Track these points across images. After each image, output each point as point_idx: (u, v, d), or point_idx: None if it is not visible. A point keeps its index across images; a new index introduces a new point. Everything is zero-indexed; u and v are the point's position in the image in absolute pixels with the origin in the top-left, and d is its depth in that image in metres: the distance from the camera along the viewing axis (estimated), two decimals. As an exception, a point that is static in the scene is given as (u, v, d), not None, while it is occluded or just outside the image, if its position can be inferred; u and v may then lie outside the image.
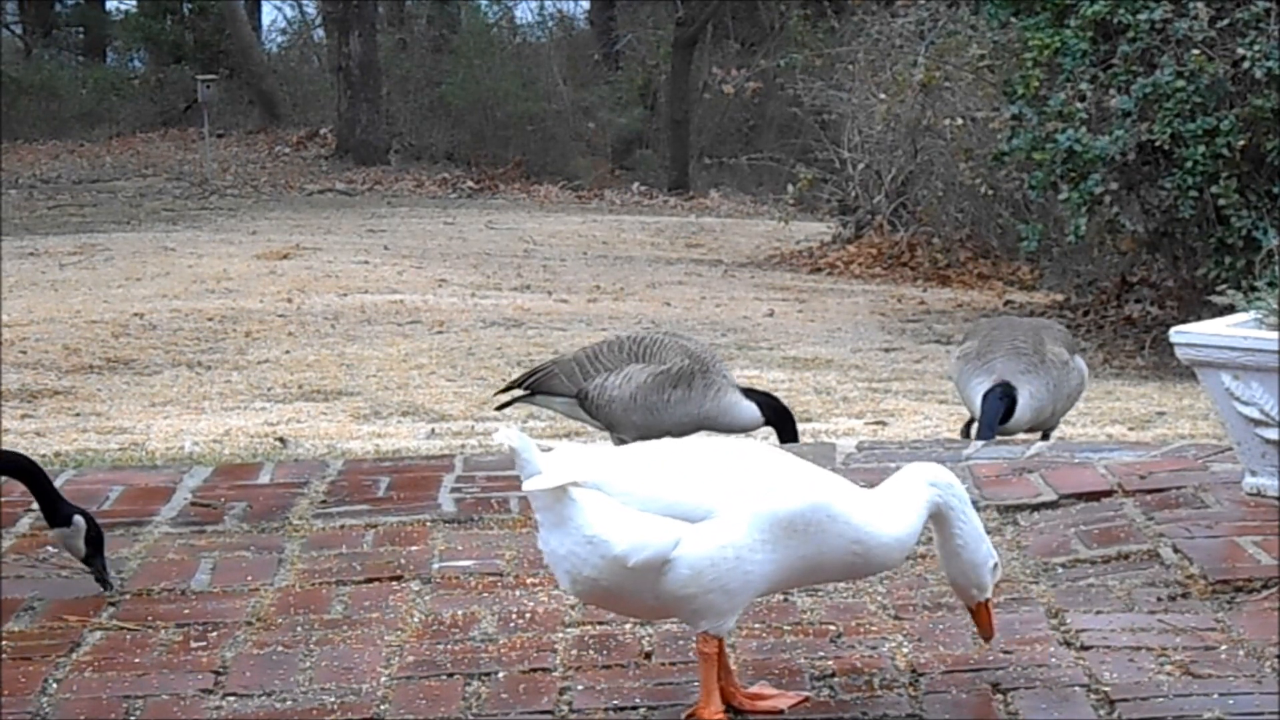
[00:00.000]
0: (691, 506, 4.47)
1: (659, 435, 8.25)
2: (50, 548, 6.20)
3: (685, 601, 4.50)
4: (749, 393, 8.57)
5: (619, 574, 4.45)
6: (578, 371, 8.49)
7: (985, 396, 8.81)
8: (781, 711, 4.67)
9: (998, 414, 8.78)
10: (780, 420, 8.54)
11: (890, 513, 4.63)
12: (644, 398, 8.31)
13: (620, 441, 8.49)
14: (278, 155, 34.01)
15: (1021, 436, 8.97)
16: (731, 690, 4.70)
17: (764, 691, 4.75)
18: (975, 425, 9.16)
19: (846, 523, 4.55)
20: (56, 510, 5.74)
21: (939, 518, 4.70)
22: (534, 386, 8.68)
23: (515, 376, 10.01)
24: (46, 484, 5.78)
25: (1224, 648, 4.97)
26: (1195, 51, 15.51)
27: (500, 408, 9.39)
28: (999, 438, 8.74)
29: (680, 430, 8.32)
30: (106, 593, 5.72)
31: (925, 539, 6.11)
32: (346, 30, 33.21)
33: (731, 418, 8.40)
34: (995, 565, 4.77)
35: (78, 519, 5.73)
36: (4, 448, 5.96)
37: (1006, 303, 19.91)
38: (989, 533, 6.07)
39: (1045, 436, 9.14)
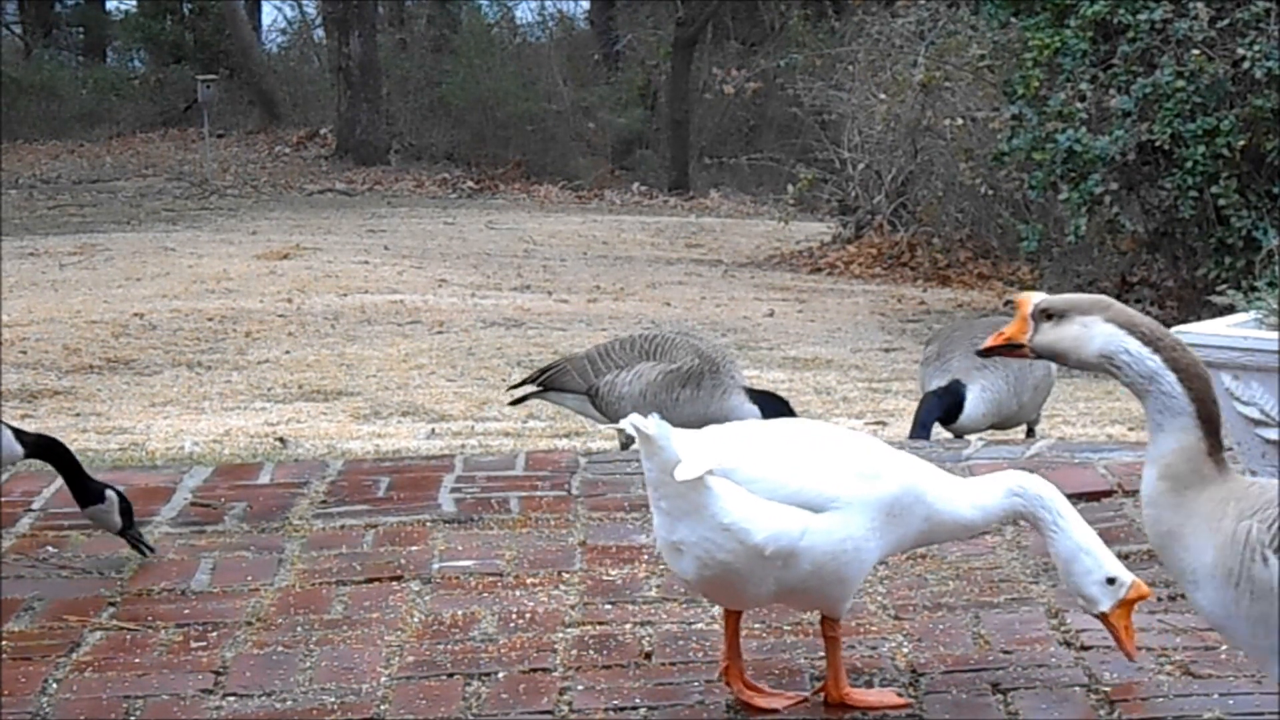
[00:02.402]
0: (814, 495, 4.55)
1: None
2: (50, 548, 6.20)
3: (804, 593, 4.61)
4: (755, 394, 8.52)
5: (752, 560, 4.51)
6: (589, 368, 8.48)
7: (923, 400, 8.76)
8: (778, 711, 4.68)
9: (933, 414, 8.71)
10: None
11: (965, 499, 4.72)
12: (653, 396, 8.29)
13: (628, 440, 8.48)
14: (278, 155, 34.01)
15: (1021, 436, 8.95)
16: (736, 673, 4.72)
17: (765, 690, 4.76)
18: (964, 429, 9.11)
19: (925, 501, 4.68)
20: (87, 489, 6.00)
21: (1034, 524, 4.77)
22: (546, 383, 8.66)
23: (519, 375, 10.00)
24: (76, 465, 6.01)
25: (1224, 648, 4.97)
26: (1195, 51, 15.52)
27: (514, 403, 9.39)
28: (981, 437, 8.70)
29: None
30: (147, 557, 5.98)
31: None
32: (346, 30, 33.21)
33: (734, 421, 8.38)
34: (1112, 580, 4.67)
35: (110, 494, 5.98)
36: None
37: (1006, 303, 19.77)
38: (989, 533, 6.08)
39: (1030, 433, 9.10)
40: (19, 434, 6.07)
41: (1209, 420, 3.83)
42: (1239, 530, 3.74)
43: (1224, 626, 3.83)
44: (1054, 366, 9.36)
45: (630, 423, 4.42)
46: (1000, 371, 8.83)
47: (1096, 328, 3.92)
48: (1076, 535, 4.73)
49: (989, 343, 4.17)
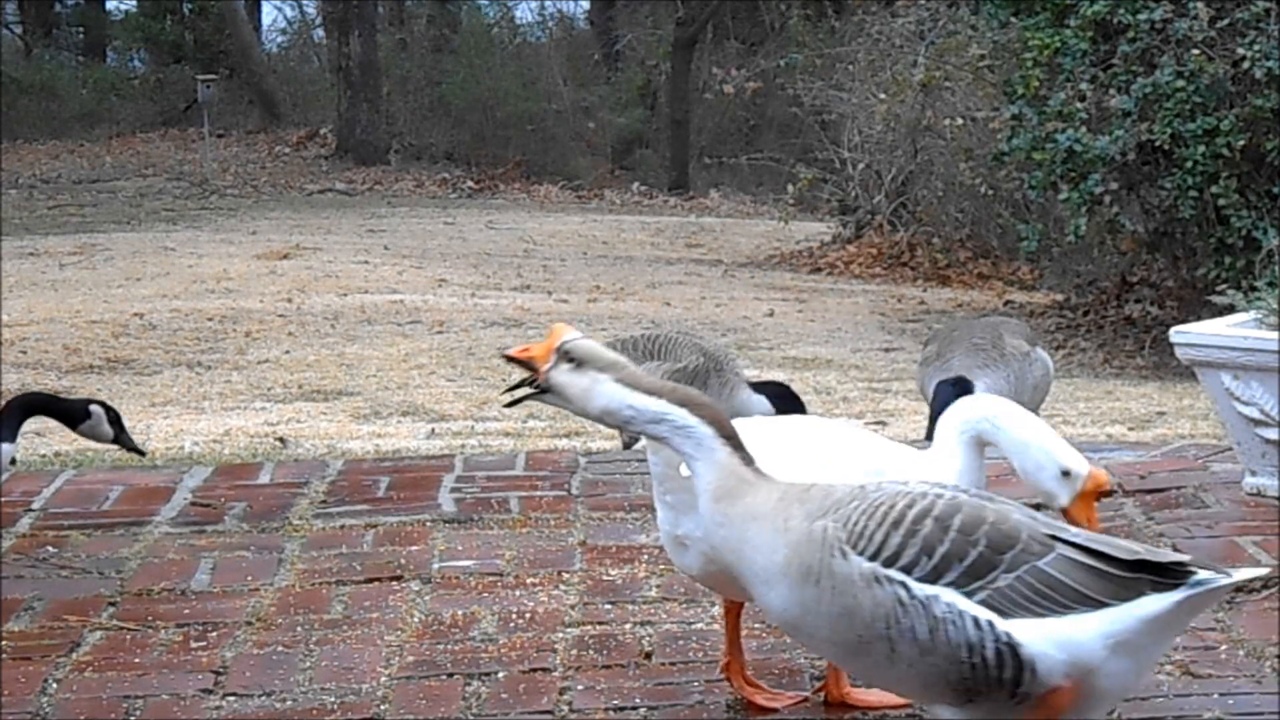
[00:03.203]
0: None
1: None
2: (50, 548, 6.20)
3: None
4: (759, 386, 8.49)
5: None
6: None
7: (936, 391, 8.76)
8: (778, 710, 4.68)
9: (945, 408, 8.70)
10: (791, 408, 8.47)
11: (941, 468, 4.66)
12: None
13: (631, 439, 8.46)
14: (278, 155, 34.01)
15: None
16: (737, 669, 4.72)
17: (765, 689, 4.76)
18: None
19: None
20: (72, 411, 6.28)
21: (993, 443, 4.67)
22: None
23: (519, 375, 9.88)
24: (53, 399, 6.38)
25: (1224, 648, 4.97)
26: (1195, 51, 15.52)
27: (509, 405, 9.30)
28: None
29: None
30: (141, 458, 6.35)
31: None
32: (346, 30, 33.21)
33: (744, 415, 8.33)
34: (1067, 473, 4.49)
35: (94, 408, 6.25)
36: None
37: (1006, 303, 19.91)
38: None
39: None
40: None
41: (731, 437, 4.03)
42: (814, 529, 3.92)
43: (800, 624, 3.96)
44: (1050, 365, 9.38)
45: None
46: (1002, 371, 8.83)
47: (603, 386, 4.12)
48: (1024, 433, 4.60)
49: (514, 351, 4.38)
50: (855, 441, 4.68)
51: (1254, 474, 6.21)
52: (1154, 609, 3.84)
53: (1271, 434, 6.10)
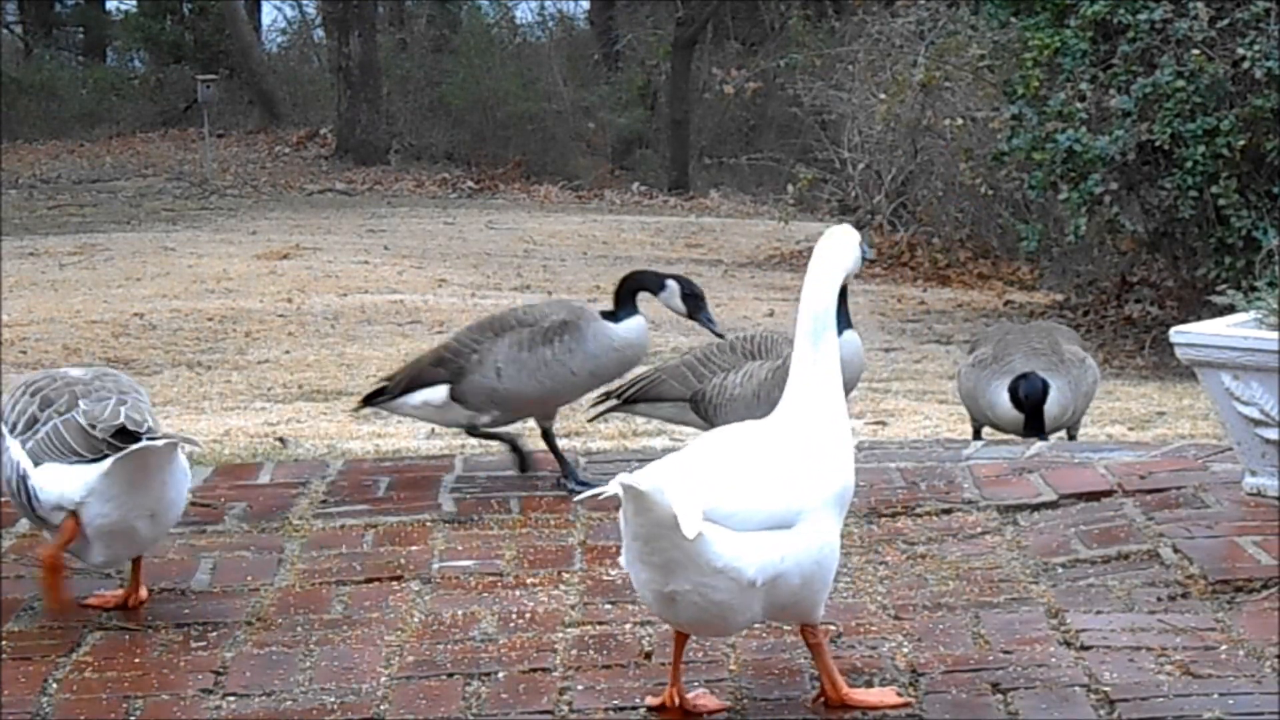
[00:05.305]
0: (784, 514, 4.56)
1: None
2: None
3: (795, 604, 4.61)
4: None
5: (745, 594, 4.52)
6: (690, 375, 8.34)
7: (1017, 387, 8.69)
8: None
9: (1038, 391, 8.66)
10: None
11: (834, 431, 4.76)
12: (766, 394, 8.20)
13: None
14: (278, 155, 33.99)
15: (1020, 437, 8.96)
16: (674, 692, 4.70)
17: (701, 700, 4.75)
18: (981, 429, 9.11)
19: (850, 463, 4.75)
20: (649, 284, 7.03)
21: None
22: (637, 396, 8.44)
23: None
24: (645, 273, 7.20)
25: (1224, 648, 4.97)
26: (1195, 51, 15.52)
27: (592, 419, 9.07)
28: (981, 438, 8.69)
29: None
30: (720, 340, 7.04)
31: (925, 538, 6.11)
32: (346, 30, 33.20)
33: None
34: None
35: (669, 283, 7.03)
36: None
37: (1006, 303, 19.91)
38: (989, 533, 6.09)
39: (1071, 436, 9.13)
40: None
41: None
42: None
43: None
44: (1098, 373, 9.35)
45: (620, 482, 4.31)
46: (1064, 376, 8.83)
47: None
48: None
49: None
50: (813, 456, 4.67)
51: (1254, 474, 6.21)
52: (106, 466, 5.23)
53: (1271, 434, 6.10)
